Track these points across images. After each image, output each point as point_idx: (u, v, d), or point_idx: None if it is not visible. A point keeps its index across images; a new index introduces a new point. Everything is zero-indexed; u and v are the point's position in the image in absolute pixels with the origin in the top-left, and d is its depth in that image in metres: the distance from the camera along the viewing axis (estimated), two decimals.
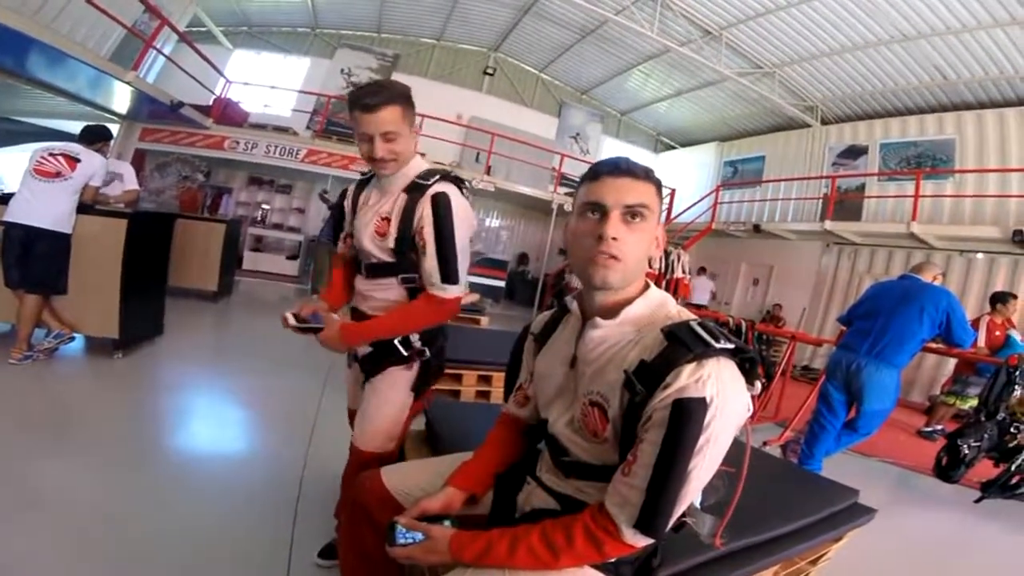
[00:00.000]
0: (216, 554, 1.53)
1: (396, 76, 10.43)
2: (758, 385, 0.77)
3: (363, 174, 1.48)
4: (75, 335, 3.05)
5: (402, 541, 0.87)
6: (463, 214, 1.27)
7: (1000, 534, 2.65)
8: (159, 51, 7.12)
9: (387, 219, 1.29)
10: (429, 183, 1.26)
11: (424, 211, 1.25)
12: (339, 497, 1.53)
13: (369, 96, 1.20)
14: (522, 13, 9.63)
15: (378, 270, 1.34)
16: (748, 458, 0.79)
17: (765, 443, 3.42)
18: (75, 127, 3.15)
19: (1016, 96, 6.76)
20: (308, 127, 9.33)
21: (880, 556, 2.05)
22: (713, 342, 0.73)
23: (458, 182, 1.32)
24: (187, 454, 2.22)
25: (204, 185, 8.67)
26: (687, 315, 0.82)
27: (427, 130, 8.59)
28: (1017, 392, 2.82)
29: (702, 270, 9.00)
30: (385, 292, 1.35)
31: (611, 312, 0.84)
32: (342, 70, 10.29)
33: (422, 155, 1.42)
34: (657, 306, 0.85)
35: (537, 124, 11.28)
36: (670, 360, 0.73)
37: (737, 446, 0.78)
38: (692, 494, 0.74)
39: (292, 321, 1.27)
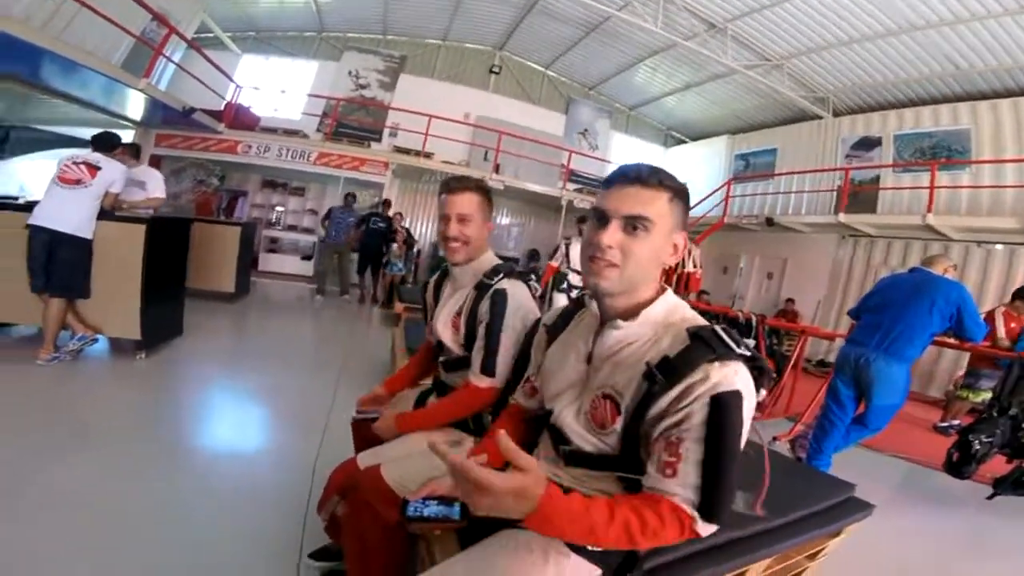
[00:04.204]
0: (229, 552, 1.59)
1: (403, 77, 10.53)
2: (763, 392, 0.82)
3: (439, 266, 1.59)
4: (98, 337, 3.16)
5: (414, 514, 0.80)
6: (518, 310, 1.32)
7: (1011, 531, 2.62)
8: (168, 58, 7.23)
9: (460, 314, 1.39)
10: (493, 282, 1.34)
11: (485, 306, 1.32)
12: (323, 493, 1.40)
13: (455, 181, 1.36)
14: (526, 11, 9.61)
15: (453, 365, 1.43)
16: (768, 458, 0.82)
17: (775, 438, 3.42)
18: (91, 134, 3.25)
19: None
20: (318, 130, 9.43)
21: (884, 551, 2.05)
22: (735, 347, 0.79)
23: (523, 277, 1.39)
24: (205, 452, 2.30)
25: (219, 189, 8.82)
26: (703, 320, 0.87)
27: (435, 130, 8.68)
28: None
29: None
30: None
31: (631, 314, 0.88)
32: (350, 72, 10.37)
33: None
34: (673, 309, 0.90)
35: (545, 121, 11.24)
36: (692, 358, 0.78)
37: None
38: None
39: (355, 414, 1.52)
